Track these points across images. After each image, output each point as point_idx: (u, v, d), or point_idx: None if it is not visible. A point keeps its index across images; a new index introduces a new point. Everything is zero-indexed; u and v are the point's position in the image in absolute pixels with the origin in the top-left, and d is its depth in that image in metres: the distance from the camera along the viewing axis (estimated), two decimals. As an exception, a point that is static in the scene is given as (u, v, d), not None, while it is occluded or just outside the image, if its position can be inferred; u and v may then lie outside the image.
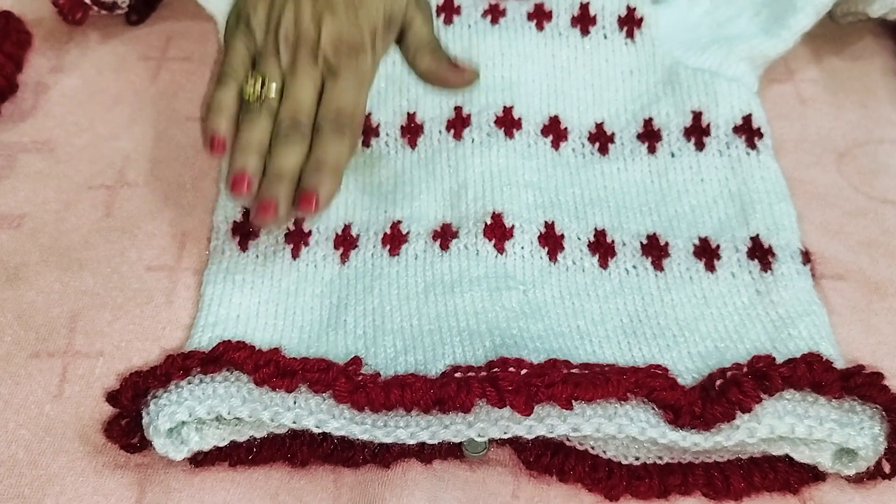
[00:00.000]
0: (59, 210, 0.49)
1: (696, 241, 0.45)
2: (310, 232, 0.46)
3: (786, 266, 0.43)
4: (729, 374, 0.37)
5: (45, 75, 0.56)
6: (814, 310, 0.42)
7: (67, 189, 0.50)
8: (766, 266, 0.44)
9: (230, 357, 0.37)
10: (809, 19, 0.52)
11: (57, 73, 0.56)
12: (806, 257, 0.44)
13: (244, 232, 0.45)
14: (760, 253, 0.44)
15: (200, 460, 0.39)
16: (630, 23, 0.54)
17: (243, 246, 0.45)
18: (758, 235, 0.45)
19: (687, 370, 0.39)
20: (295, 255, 0.45)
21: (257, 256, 0.45)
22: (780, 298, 0.42)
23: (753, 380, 0.36)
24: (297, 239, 0.46)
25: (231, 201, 0.46)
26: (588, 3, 0.54)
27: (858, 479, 0.38)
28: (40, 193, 0.50)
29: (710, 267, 0.44)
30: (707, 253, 0.45)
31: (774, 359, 0.37)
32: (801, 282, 0.43)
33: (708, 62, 0.53)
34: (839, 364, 0.38)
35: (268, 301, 0.43)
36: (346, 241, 0.46)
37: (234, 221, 0.46)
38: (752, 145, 0.49)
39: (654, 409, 0.36)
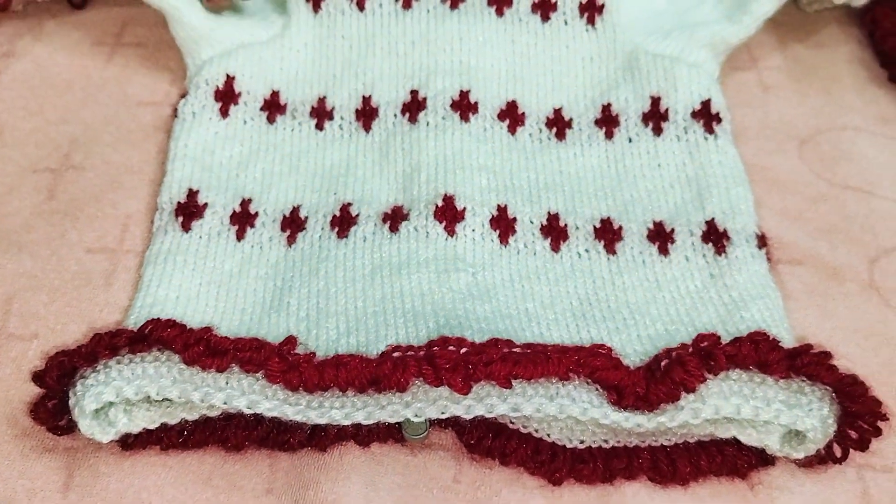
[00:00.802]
0: (1, 194, 0.48)
1: (651, 226, 0.44)
2: (256, 213, 0.45)
3: (740, 249, 0.42)
4: (674, 353, 0.36)
5: (-5, 58, 0.55)
6: (767, 293, 0.41)
7: (12, 173, 0.49)
8: (720, 249, 0.43)
9: (159, 335, 0.35)
10: (772, 5, 0.51)
11: (8, 59, 0.55)
12: (762, 241, 0.43)
13: (188, 212, 0.44)
14: (715, 236, 0.43)
15: (130, 444, 0.37)
16: (591, 9, 0.54)
17: (186, 227, 0.44)
18: (713, 219, 0.44)
19: (635, 352, 0.38)
20: (240, 236, 0.44)
21: (200, 237, 0.44)
22: (734, 281, 0.41)
23: (698, 359, 0.35)
24: (243, 221, 0.44)
25: (177, 182, 0.45)
26: (549, -10, 0.54)
27: (809, 464, 0.37)
28: (-15, 177, 0.49)
29: (664, 251, 0.43)
30: (661, 237, 0.44)
31: (719, 337, 0.36)
32: (755, 265, 0.42)
33: (669, 48, 0.52)
34: (789, 345, 0.37)
35: (209, 283, 0.42)
36: (293, 224, 0.44)
37: (179, 202, 0.45)
38: (710, 130, 0.48)
39: (597, 389, 0.35)
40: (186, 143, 0.47)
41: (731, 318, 0.39)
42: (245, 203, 0.45)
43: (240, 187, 0.46)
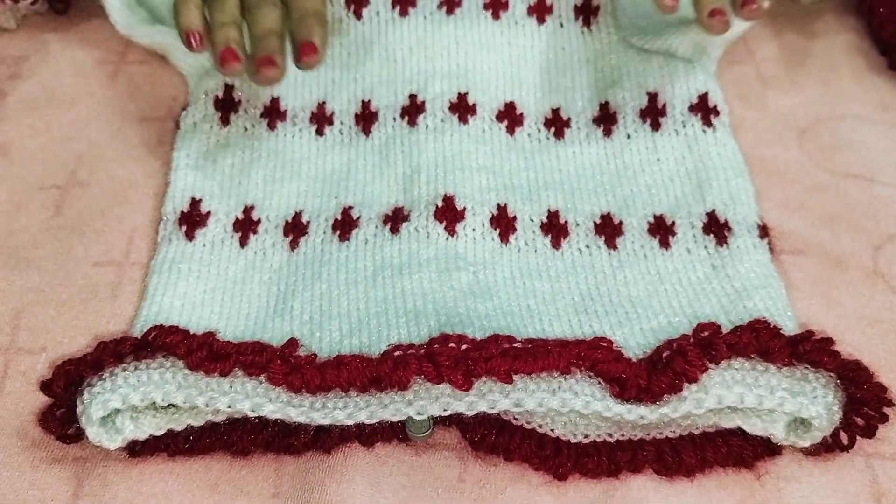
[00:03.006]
0: (9, 211, 0.48)
1: (651, 219, 0.44)
2: (258, 220, 0.45)
3: (742, 240, 0.42)
4: (675, 344, 0.36)
5: (3, 82, 0.56)
6: (770, 283, 0.41)
7: (20, 191, 0.50)
8: (721, 241, 0.43)
9: (163, 342, 0.36)
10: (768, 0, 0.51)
11: (15, 80, 0.56)
12: (763, 231, 0.43)
13: (191, 221, 0.45)
14: (716, 227, 0.43)
15: (138, 451, 0.38)
16: (587, 11, 0.54)
17: (190, 235, 0.44)
18: (714, 210, 0.44)
19: (638, 346, 0.38)
20: (243, 243, 0.44)
21: (204, 245, 0.44)
22: (736, 272, 0.41)
23: (699, 349, 0.35)
24: (246, 227, 0.45)
25: (179, 191, 0.46)
26: (544, -8, 0.54)
27: (815, 452, 0.36)
28: (-6, 196, 0.49)
29: (665, 244, 0.43)
30: (662, 230, 0.44)
31: (720, 327, 0.36)
32: (757, 255, 0.42)
33: (665, 46, 0.52)
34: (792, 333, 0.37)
35: (213, 290, 0.42)
36: (295, 229, 0.45)
37: (182, 211, 0.45)
38: (708, 123, 0.48)
39: (599, 383, 0.35)
40: (188, 153, 0.47)
41: (734, 309, 0.39)
42: (247, 210, 0.46)
43: (242, 194, 0.46)
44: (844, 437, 0.36)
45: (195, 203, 0.45)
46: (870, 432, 0.35)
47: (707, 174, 0.45)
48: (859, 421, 0.35)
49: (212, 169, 0.47)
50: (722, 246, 0.42)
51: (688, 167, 0.46)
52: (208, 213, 0.45)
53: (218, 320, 0.41)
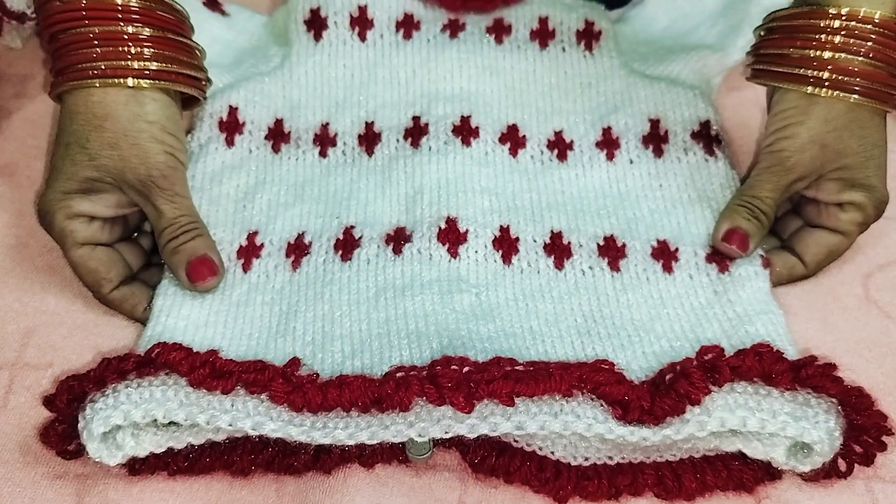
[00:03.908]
0: (23, 235, 0.48)
1: (655, 244, 0.45)
2: (262, 245, 0.45)
3: (743, 268, 0.43)
4: (678, 367, 0.36)
5: (8, 101, 0.56)
6: (771, 309, 0.41)
7: (29, 214, 0.50)
8: (723, 268, 0.43)
9: (165, 359, 0.36)
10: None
11: (21, 99, 0.56)
12: (765, 262, 0.44)
13: None
14: (719, 256, 0.43)
15: (137, 468, 0.38)
16: (588, 36, 0.55)
17: None
18: None
19: (641, 369, 0.38)
20: (246, 268, 0.45)
21: None
22: (738, 297, 0.42)
23: (702, 371, 0.35)
24: (249, 253, 0.45)
25: None
26: (547, 18, 0.55)
27: (814, 478, 0.36)
28: (0, 217, 0.50)
29: (668, 268, 0.43)
30: (665, 255, 0.44)
31: (723, 350, 0.36)
32: (758, 282, 0.42)
33: (666, 72, 0.53)
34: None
35: (217, 312, 0.42)
36: (298, 249, 0.45)
37: None
38: (710, 152, 0.48)
39: (601, 405, 0.35)
40: (193, 175, 0.48)
41: (736, 333, 0.40)
42: (251, 236, 0.46)
43: (246, 220, 0.46)
44: (842, 464, 0.36)
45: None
46: (868, 460, 0.35)
47: (710, 205, 0.46)
48: (858, 449, 0.35)
49: (217, 192, 0.47)
50: (724, 273, 0.43)
51: (690, 195, 0.47)
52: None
53: (221, 340, 0.41)
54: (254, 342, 0.41)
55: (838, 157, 0.42)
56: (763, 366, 0.35)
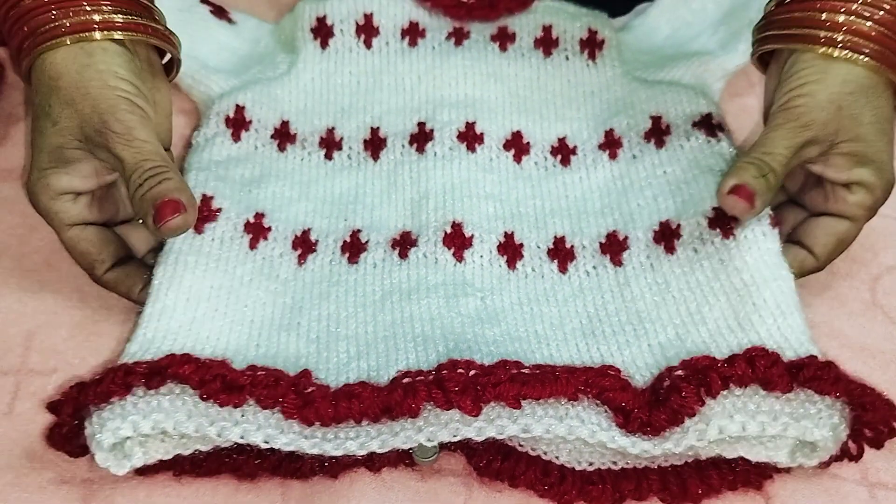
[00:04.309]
0: (23, 234, 0.49)
1: (657, 227, 0.45)
2: (269, 227, 0.46)
3: (749, 230, 0.42)
4: (674, 374, 0.36)
5: (16, 107, 0.57)
6: (781, 273, 0.40)
7: (32, 214, 0.50)
8: (727, 233, 0.42)
9: (175, 371, 0.36)
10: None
11: (28, 105, 0.57)
12: (774, 220, 0.42)
13: (201, 215, 0.44)
14: (724, 220, 0.42)
15: (143, 469, 0.38)
16: (592, 45, 0.55)
17: (199, 229, 0.44)
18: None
19: (646, 365, 0.38)
20: (253, 245, 0.45)
21: (213, 240, 0.44)
22: (744, 263, 0.41)
23: (694, 384, 0.35)
24: (257, 231, 0.45)
25: (191, 187, 0.43)
26: (551, 26, 0.55)
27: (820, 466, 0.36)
28: (6, 219, 0.50)
29: (670, 248, 0.43)
30: (667, 235, 0.44)
31: (715, 359, 0.36)
32: (767, 243, 0.41)
33: (668, 77, 0.53)
34: (807, 340, 0.37)
35: (220, 287, 0.42)
36: (304, 244, 0.45)
37: None
38: (712, 135, 0.48)
39: (606, 412, 0.36)
40: (200, 159, 0.48)
41: (744, 308, 0.39)
42: (258, 216, 0.46)
43: (252, 202, 0.47)
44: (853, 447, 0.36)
45: (206, 199, 0.45)
46: (878, 444, 0.35)
47: (714, 179, 0.45)
48: (868, 433, 0.35)
49: (224, 174, 0.47)
50: (728, 238, 0.42)
51: (694, 174, 0.46)
52: (219, 209, 0.45)
53: (222, 322, 0.41)
54: (255, 330, 0.41)
55: (853, 125, 0.41)
56: (757, 372, 0.34)
